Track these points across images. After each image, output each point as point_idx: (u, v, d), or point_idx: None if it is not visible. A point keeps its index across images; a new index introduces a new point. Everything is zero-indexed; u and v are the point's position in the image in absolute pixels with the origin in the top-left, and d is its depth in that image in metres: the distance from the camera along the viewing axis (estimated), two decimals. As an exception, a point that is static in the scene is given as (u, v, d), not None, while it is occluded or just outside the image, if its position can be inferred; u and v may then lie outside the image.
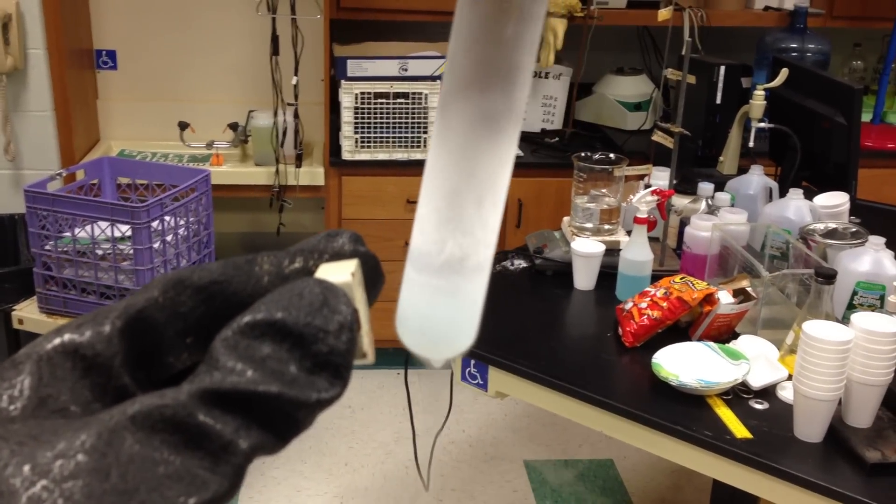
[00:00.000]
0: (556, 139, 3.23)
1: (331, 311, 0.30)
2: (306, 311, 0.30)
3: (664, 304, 1.72)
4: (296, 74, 2.94)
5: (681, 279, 1.78)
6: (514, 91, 0.33)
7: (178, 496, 0.27)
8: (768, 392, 1.60)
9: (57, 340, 0.30)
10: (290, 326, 0.30)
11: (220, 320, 0.31)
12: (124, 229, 2.10)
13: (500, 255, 2.21)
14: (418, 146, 2.97)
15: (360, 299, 0.32)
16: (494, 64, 0.32)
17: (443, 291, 0.34)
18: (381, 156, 2.97)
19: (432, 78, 2.93)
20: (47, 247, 2.17)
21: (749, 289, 1.74)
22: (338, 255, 0.33)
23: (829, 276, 1.58)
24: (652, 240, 2.01)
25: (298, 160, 3.01)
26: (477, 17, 0.32)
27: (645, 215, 1.95)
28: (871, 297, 1.75)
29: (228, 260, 0.33)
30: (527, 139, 3.20)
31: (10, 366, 0.30)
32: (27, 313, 2.24)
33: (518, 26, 0.32)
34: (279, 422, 0.30)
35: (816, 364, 1.40)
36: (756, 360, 1.63)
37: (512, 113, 0.33)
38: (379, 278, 0.34)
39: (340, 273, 0.32)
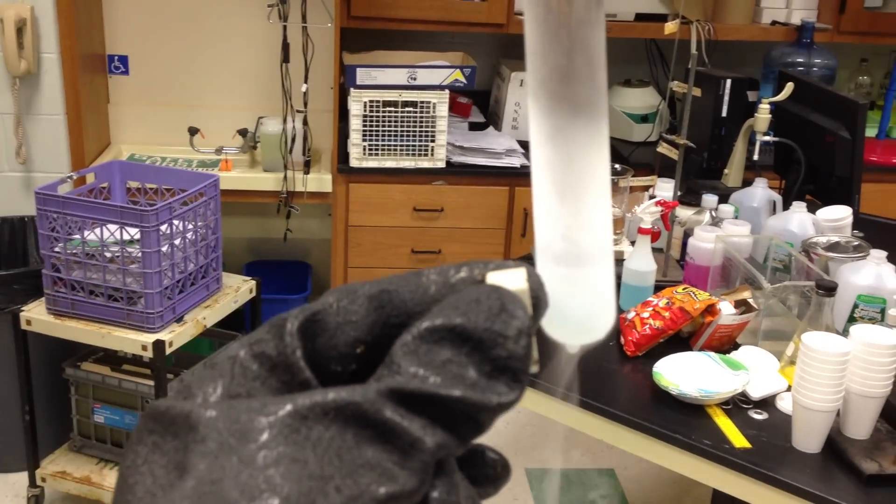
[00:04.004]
0: (563, 150, 3.24)
1: (509, 317, 0.31)
2: (485, 317, 0.31)
3: (666, 314, 1.74)
4: (306, 82, 2.97)
5: (683, 290, 1.79)
6: (595, 86, 0.35)
7: (370, 483, 0.28)
8: (768, 403, 1.61)
9: (245, 346, 0.32)
10: (469, 331, 0.30)
11: (390, 330, 0.32)
12: (133, 232, 2.12)
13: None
14: (426, 154, 3.00)
15: (530, 307, 0.33)
16: (570, 65, 0.35)
17: (565, 282, 0.36)
18: (389, 163, 3.00)
19: (440, 87, 2.96)
20: (57, 249, 2.19)
21: (751, 300, 1.75)
22: (502, 266, 0.34)
23: (829, 289, 1.59)
24: (655, 250, 2.02)
25: (306, 167, 3.03)
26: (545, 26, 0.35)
27: (649, 226, 1.96)
28: (871, 310, 1.76)
29: (395, 274, 0.34)
30: (533, 149, 3.22)
31: (209, 367, 0.32)
32: (35, 314, 2.26)
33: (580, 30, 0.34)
34: (461, 423, 0.30)
35: (816, 375, 1.41)
36: (756, 371, 1.64)
37: (596, 107, 0.36)
38: (543, 296, 0.34)
39: (514, 280, 0.33)
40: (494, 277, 0.33)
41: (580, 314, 0.36)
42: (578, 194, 0.36)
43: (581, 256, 0.36)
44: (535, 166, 0.36)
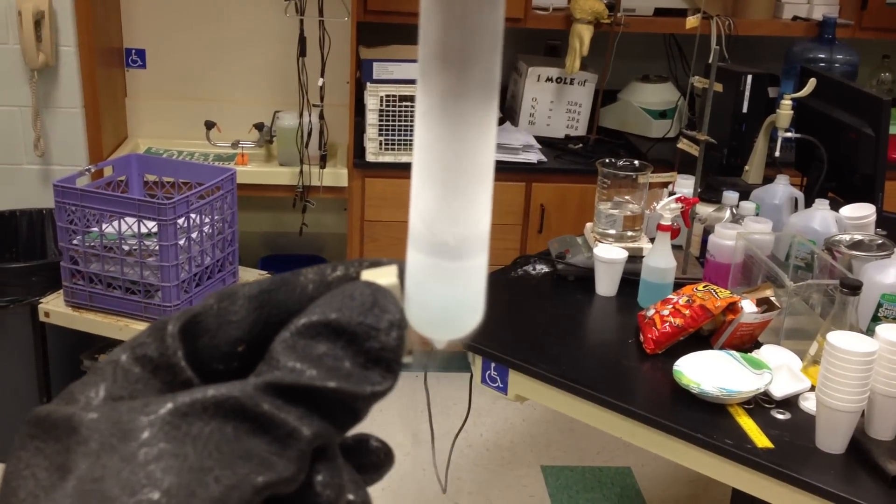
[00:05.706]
0: (580, 145, 3.23)
1: (381, 311, 0.32)
2: (358, 311, 0.32)
3: (686, 312, 1.72)
4: (322, 76, 2.96)
5: (704, 287, 1.77)
6: (488, 66, 0.32)
7: (248, 473, 0.29)
8: (790, 402, 1.59)
9: (127, 349, 0.33)
10: (343, 326, 0.32)
11: (270, 328, 0.33)
12: (150, 226, 2.12)
13: (522, 259, 2.22)
14: (442, 149, 2.98)
15: (403, 301, 0.34)
16: (462, 42, 0.32)
17: (437, 273, 0.34)
18: (405, 158, 2.98)
19: (458, 82, 2.94)
20: (75, 241, 2.19)
21: (773, 298, 1.73)
22: (377, 263, 0.35)
23: (854, 288, 1.57)
24: (675, 247, 2.00)
25: (322, 161, 3.03)
26: None
27: (668, 223, 1.94)
28: (896, 309, 1.74)
29: (276, 275, 0.36)
30: (551, 145, 3.20)
31: (92, 373, 0.33)
32: (53, 306, 2.27)
33: None
34: (338, 412, 0.32)
35: (840, 375, 1.39)
36: (778, 370, 1.62)
37: (488, 88, 0.33)
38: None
39: (386, 276, 0.34)
40: (368, 274, 0.34)
41: (446, 309, 0.35)
42: (456, 181, 0.33)
43: (452, 248, 0.34)
44: (415, 147, 0.34)
